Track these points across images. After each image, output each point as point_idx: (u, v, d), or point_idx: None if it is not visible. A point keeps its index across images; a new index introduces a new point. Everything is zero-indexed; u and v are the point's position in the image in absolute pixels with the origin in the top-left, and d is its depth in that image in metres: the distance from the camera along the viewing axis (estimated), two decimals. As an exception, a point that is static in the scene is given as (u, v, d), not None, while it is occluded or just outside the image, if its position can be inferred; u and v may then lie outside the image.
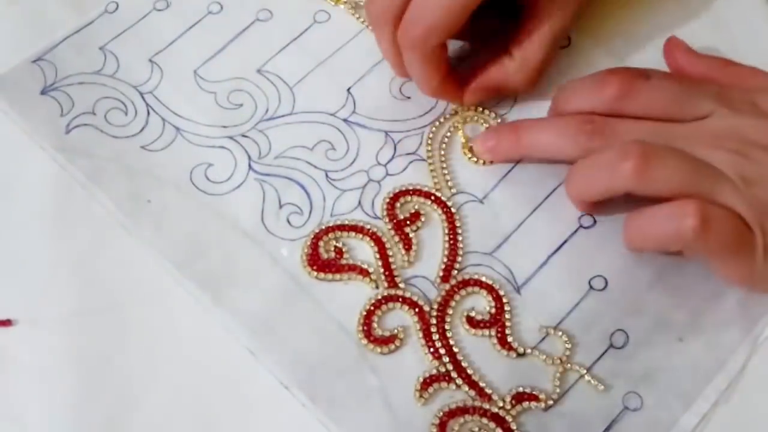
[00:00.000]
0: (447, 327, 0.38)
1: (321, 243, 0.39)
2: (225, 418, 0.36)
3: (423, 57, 0.39)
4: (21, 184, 0.41)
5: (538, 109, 0.43)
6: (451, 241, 0.39)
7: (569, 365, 0.37)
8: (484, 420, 0.36)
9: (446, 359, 0.37)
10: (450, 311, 0.38)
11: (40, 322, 0.38)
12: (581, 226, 0.40)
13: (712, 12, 0.46)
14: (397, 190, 0.41)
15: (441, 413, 0.36)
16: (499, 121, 0.43)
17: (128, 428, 0.36)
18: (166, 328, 0.38)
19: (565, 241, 0.40)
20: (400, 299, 0.38)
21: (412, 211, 0.40)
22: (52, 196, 0.41)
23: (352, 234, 0.40)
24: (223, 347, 0.37)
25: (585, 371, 0.37)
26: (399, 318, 0.38)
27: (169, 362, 0.37)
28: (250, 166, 0.41)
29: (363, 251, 0.40)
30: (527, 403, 0.36)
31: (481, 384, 0.36)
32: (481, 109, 0.43)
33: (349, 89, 0.43)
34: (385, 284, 0.39)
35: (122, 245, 0.40)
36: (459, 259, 0.39)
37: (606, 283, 0.39)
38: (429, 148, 0.42)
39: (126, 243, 0.40)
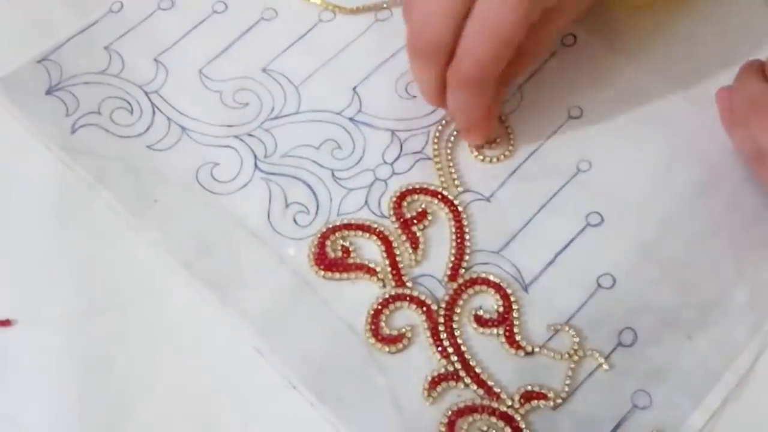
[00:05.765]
0: (455, 326, 0.38)
1: (328, 242, 0.39)
2: (230, 419, 0.36)
3: (476, 93, 0.37)
4: (26, 184, 0.41)
5: (539, 108, 0.43)
6: (459, 240, 0.39)
7: (582, 353, 0.37)
8: (493, 419, 0.36)
9: (454, 358, 0.37)
10: (458, 310, 0.38)
11: (40, 322, 0.38)
12: (589, 224, 0.40)
13: (713, 11, 0.46)
14: (403, 189, 0.41)
15: (449, 412, 0.36)
16: (505, 119, 0.42)
17: (128, 428, 0.36)
18: (167, 327, 0.38)
19: (573, 239, 0.39)
20: (408, 298, 0.38)
21: (419, 209, 0.40)
22: (57, 196, 0.41)
23: (359, 233, 0.40)
24: (227, 346, 0.37)
25: (598, 354, 0.37)
26: (407, 317, 0.38)
27: (171, 362, 0.37)
28: (256, 165, 0.41)
29: (370, 250, 0.39)
30: (536, 401, 0.36)
31: (490, 383, 0.36)
32: (486, 107, 0.43)
33: (354, 88, 0.43)
34: (393, 283, 0.39)
35: (123, 245, 0.39)
36: (466, 257, 0.39)
37: (614, 281, 0.38)
38: (435, 147, 0.42)
39: (126, 243, 0.40)
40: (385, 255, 0.39)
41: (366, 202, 0.41)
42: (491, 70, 0.36)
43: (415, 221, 0.40)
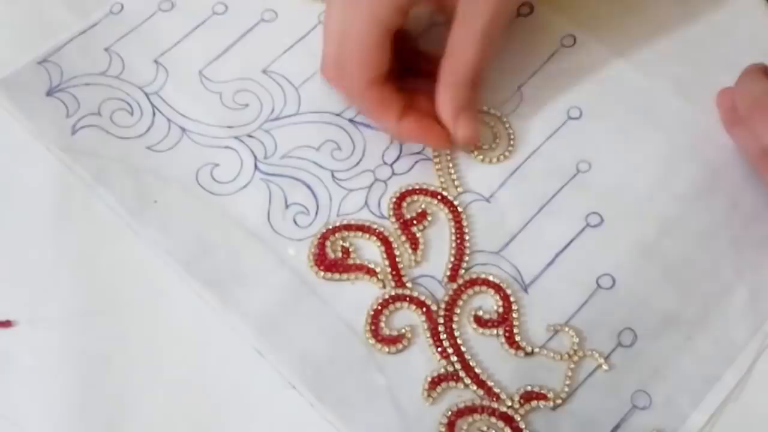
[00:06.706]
0: (454, 326, 0.38)
1: (328, 243, 0.39)
2: (230, 419, 0.36)
3: (363, 99, 0.39)
4: (26, 184, 0.41)
5: (539, 108, 0.43)
6: (458, 240, 0.39)
7: (582, 354, 0.37)
8: (493, 419, 0.36)
9: (454, 358, 0.37)
10: (457, 310, 0.38)
11: (40, 322, 0.38)
12: (588, 224, 0.40)
13: (712, 12, 0.46)
14: (403, 190, 0.41)
15: (449, 413, 0.36)
16: (505, 119, 0.42)
17: (128, 428, 0.36)
18: (166, 328, 0.38)
19: (573, 240, 0.40)
20: (408, 299, 0.38)
21: (419, 210, 0.40)
22: (57, 196, 0.41)
23: (359, 234, 0.40)
24: (227, 346, 0.37)
25: (598, 354, 0.37)
26: (406, 317, 0.38)
27: (171, 362, 0.37)
28: (256, 166, 0.41)
29: (370, 251, 0.39)
30: (536, 402, 0.36)
31: (489, 383, 0.36)
32: (486, 108, 0.43)
33: (354, 89, 0.43)
34: (392, 284, 0.39)
35: (123, 245, 0.40)
36: (466, 258, 0.39)
37: (614, 281, 0.38)
38: (435, 148, 0.42)
39: (126, 243, 0.40)
40: (384, 255, 0.39)
41: (366, 202, 0.41)
42: (362, 69, 0.38)
43: (414, 222, 0.40)
